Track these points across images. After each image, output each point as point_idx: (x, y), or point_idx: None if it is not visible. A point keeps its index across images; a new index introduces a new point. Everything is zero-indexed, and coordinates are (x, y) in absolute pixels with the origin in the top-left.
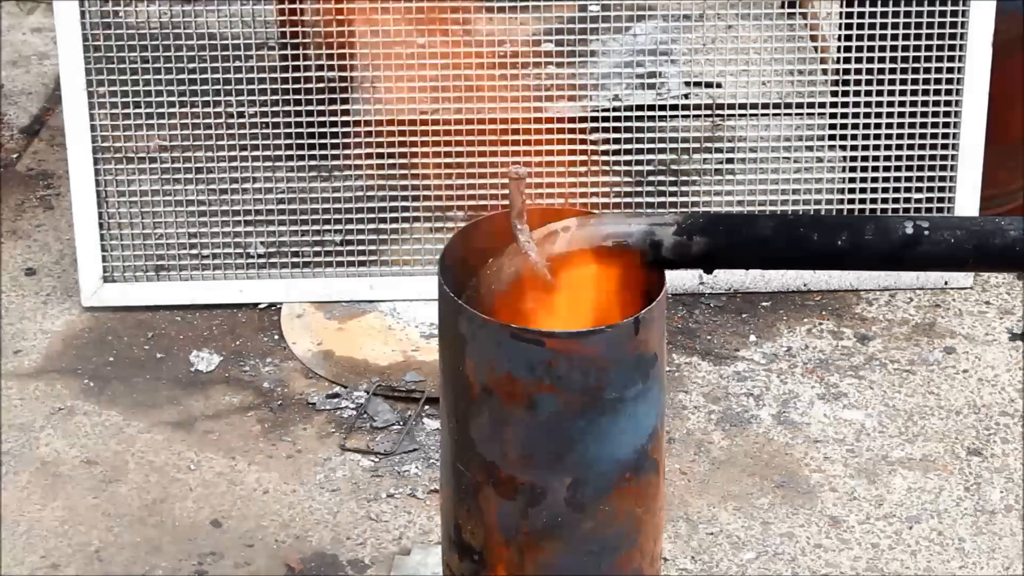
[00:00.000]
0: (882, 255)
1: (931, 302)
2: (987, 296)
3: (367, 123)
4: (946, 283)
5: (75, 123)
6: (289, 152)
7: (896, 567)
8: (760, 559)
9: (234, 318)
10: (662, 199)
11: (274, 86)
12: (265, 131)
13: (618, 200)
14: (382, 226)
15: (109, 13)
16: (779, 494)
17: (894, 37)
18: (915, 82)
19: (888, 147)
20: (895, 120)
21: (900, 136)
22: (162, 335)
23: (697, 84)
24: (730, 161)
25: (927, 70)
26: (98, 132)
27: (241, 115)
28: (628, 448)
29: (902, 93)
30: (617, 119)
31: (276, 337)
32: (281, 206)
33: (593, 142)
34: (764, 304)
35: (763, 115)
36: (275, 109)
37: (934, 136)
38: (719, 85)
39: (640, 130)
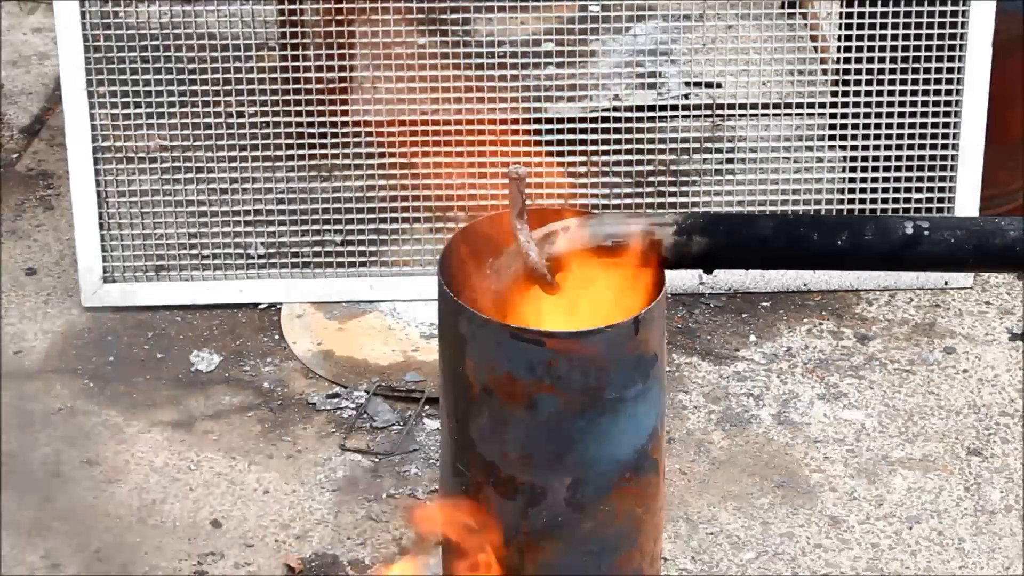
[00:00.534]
0: (882, 255)
1: (931, 302)
2: (987, 296)
3: (367, 123)
4: (946, 283)
5: (75, 123)
6: (289, 152)
7: (896, 567)
8: (760, 559)
9: (234, 318)
10: (662, 199)
11: (274, 86)
12: (265, 131)
13: (618, 200)
14: (382, 226)
15: (109, 13)
16: (779, 494)
17: (894, 37)
18: (915, 82)
19: (888, 147)
20: (895, 120)
21: (900, 136)
22: (162, 335)
23: (697, 84)
24: (730, 161)
25: (927, 70)
26: (98, 132)
27: (241, 115)
28: (628, 448)
29: (902, 93)
30: (617, 119)
31: (276, 337)
32: (281, 206)
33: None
34: (764, 304)
35: (763, 115)
36: (275, 109)
37: (934, 136)
38: (719, 85)
39: (640, 130)
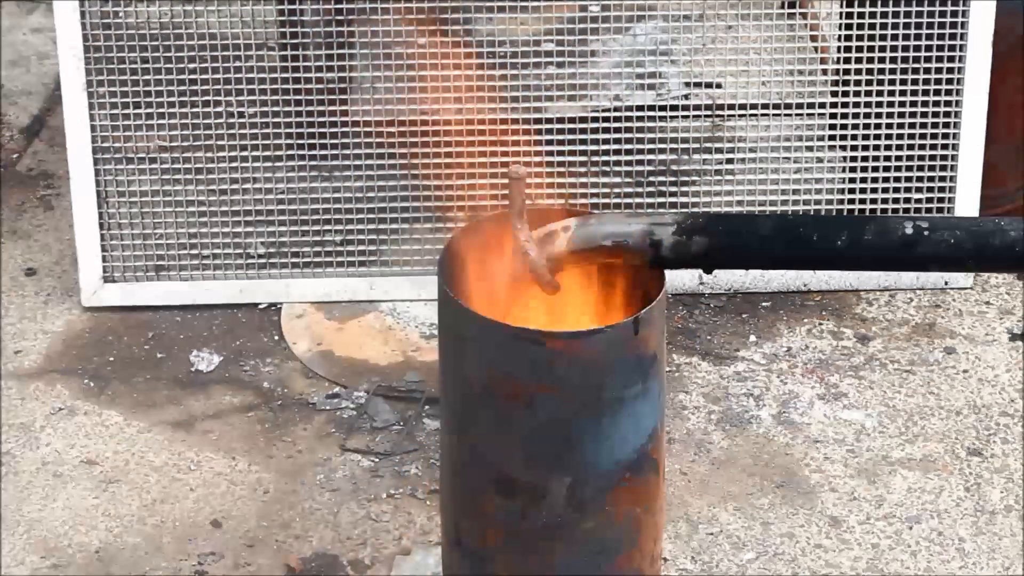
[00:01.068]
0: (882, 255)
1: (931, 302)
2: (987, 296)
3: (367, 123)
4: (946, 283)
5: (75, 123)
6: (289, 152)
7: (896, 567)
8: (760, 559)
9: (234, 318)
10: (662, 199)
11: (274, 86)
12: (265, 131)
13: (618, 200)
14: (382, 226)
15: (109, 13)
16: (779, 494)
17: (894, 37)
18: (915, 82)
19: (888, 147)
20: (895, 120)
21: (900, 136)
22: (162, 335)
23: (697, 84)
24: (730, 161)
25: (927, 70)
26: (98, 132)
27: (241, 115)
28: (628, 448)
29: (902, 93)
30: (617, 119)
31: (276, 337)
32: (281, 206)
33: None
34: (764, 304)
35: (763, 115)
36: (275, 109)
37: (934, 136)
38: (719, 85)
39: (640, 130)
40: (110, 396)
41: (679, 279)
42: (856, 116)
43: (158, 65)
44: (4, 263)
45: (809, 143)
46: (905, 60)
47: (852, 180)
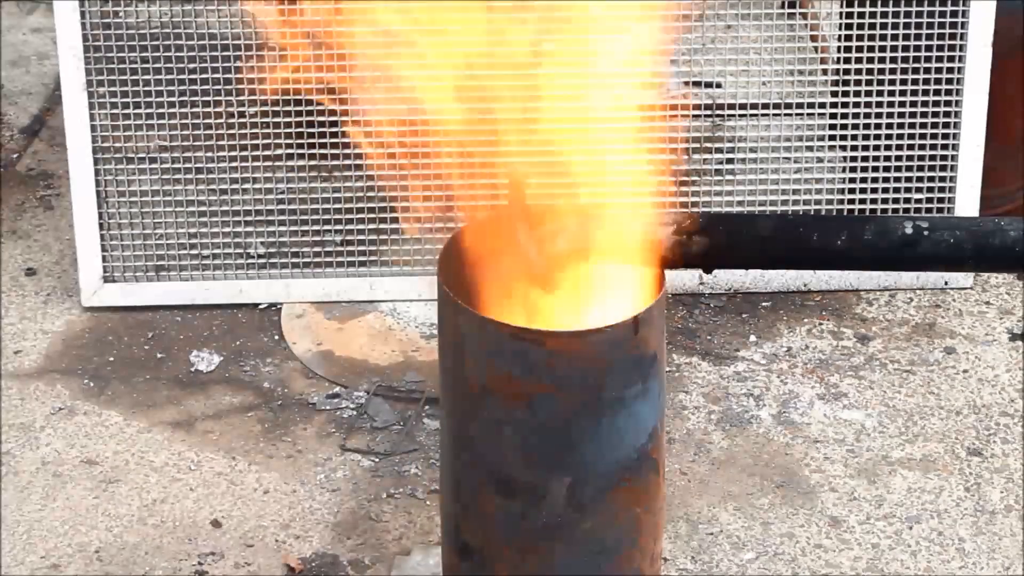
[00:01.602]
0: (882, 255)
1: (931, 302)
2: (987, 296)
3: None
4: (946, 283)
5: (75, 123)
6: (289, 152)
7: (896, 567)
8: (760, 559)
9: (234, 318)
10: (662, 199)
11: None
12: (265, 131)
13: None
14: (382, 226)
15: (109, 13)
16: (779, 494)
17: (894, 37)
18: (915, 82)
19: (888, 147)
20: (895, 120)
21: (900, 136)
22: (162, 335)
23: (697, 84)
24: (730, 161)
25: (927, 70)
26: (98, 132)
27: (241, 115)
28: (628, 448)
29: (902, 93)
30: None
31: (276, 337)
32: (281, 206)
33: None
34: (764, 304)
35: (763, 115)
36: (275, 109)
37: (934, 136)
38: (719, 85)
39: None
40: (110, 396)
41: (679, 279)
42: (856, 116)
43: (158, 65)
44: (4, 263)
45: (809, 143)
46: (905, 60)
47: (852, 180)
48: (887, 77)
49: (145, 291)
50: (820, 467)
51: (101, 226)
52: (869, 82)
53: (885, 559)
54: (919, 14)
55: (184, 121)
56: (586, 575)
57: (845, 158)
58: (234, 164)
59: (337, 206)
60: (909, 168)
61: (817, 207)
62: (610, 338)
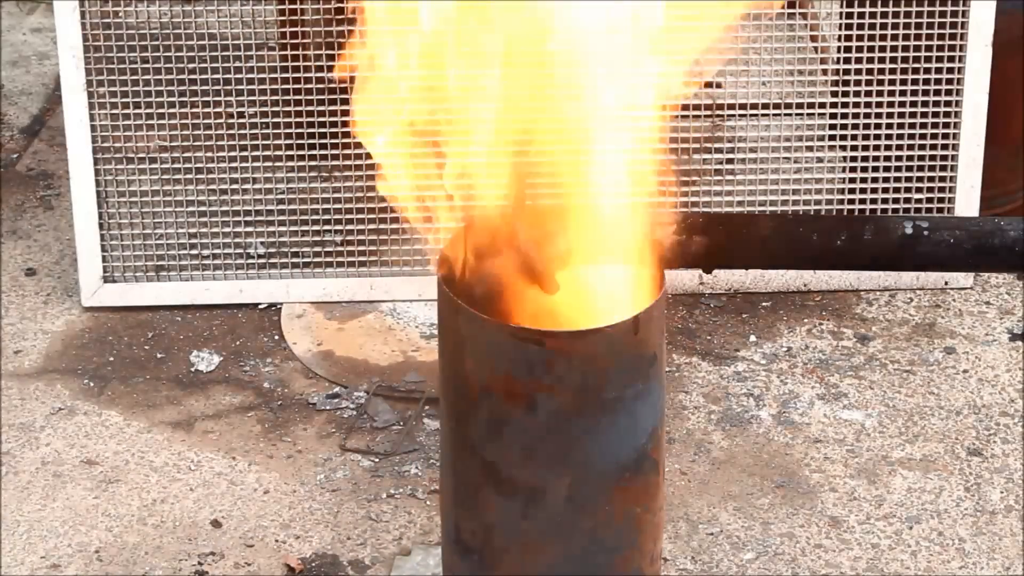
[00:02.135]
0: (882, 255)
1: (931, 302)
2: (987, 296)
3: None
4: (946, 283)
5: (75, 123)
6: (289, 152)
7: (896, 567)
8: (760, 559)
9: (234, 318)
10: (662, 199)
11: (274, 86)
12: (265, 131)
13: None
14: (382, 226)
15: (109, 13)
16: (779, 494)
17: (894, 37)
18: (915, 82)
19: (888, 147)
20: (895, 120)
21: (900, 136)
22: (162, 335)
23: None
24: (730, 161)
25: (927, 70)
26: (98, 132)
27: (241, 115)
28: (628, 448)
29: (902, 93)
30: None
31: (276, 337)
32: (281, 206)
33: None
34: (764, 304)
35: (763, 115)
36: (275, 109)
37: (934, 136)
38: (719, 85)
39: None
40: (110, 396)
41: (679, 279)
42: (856, 116)
43: (158, 65)
44: (4, 263)
45: (809, 143)
46: (905, 60)
47: (852, 180)
48: (887, 77)
49: (145, 291)
50: (820, 467)
51: (101, 226)
52: (869, 82)
53: (885, 559)
54: (919, 14)
55: (184, 121)
56: (586, 575)
57: (845, 158)
58: (234, 164)
59: (337, 206)
60: (909, 168)
61: (817, 207)
62: (610, 338)
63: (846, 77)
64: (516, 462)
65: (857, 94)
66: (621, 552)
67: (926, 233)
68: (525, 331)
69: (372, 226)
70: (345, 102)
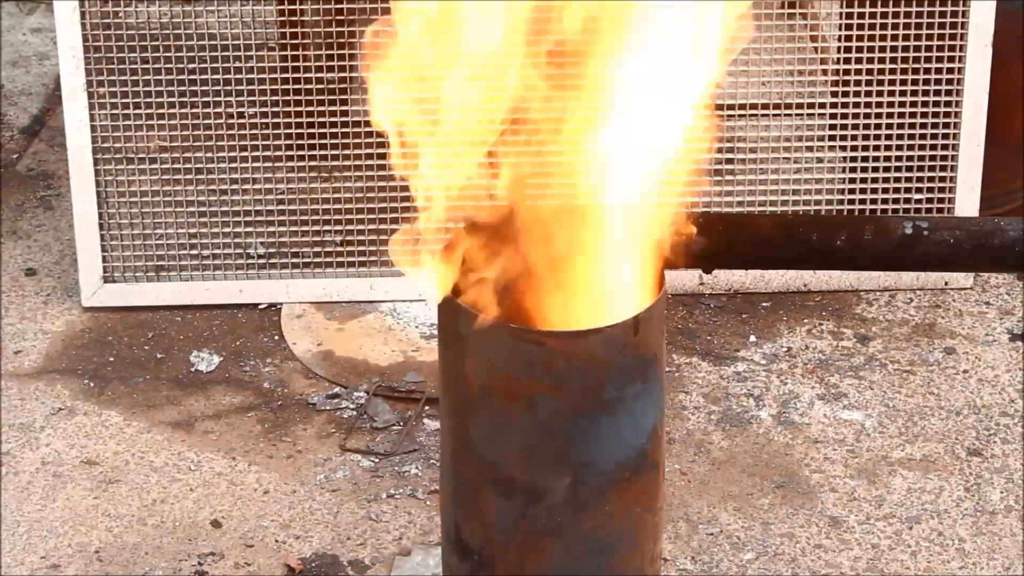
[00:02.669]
0: (882, 255)
1: (931, 302)
2: (987, 296)
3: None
4: (946, 283)
5: (75, 123)
6: (289, 152)
7: (896, 567)
8: (760, 559)
9: (234, 318)
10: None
11: (274, 86)
12: (265, 131)
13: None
14: (382, 226)
15: (109, 13)
16: (779, 494)
17: (894, 37)
18: (915, 82)
19: (888, 147)
20: (895, 120)
21: (900, 136)
22: (162, 335)
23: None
24: (730, 161)
25: (927, 70)
26: (98, 132)
27: (241, 115)
28: (628, 448)
29: (902, 93)
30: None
31: (276, 337)
32: (281, 206)
33: None
34: (764, 304)
35: (763, 115)
36: (275, 109)
37: (934, 136)
38: (719, 85)
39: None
40: (110, 396)
41: (679, 279)
42: (856, 116)
43: (158, 65)
44: (4, 263)
45: (809, 143)
46: (905, 60)
47: (852, 180)
48: (887, 77)
49: (145, 291)
50: (820, 467)
51: (101, 226)
52: (869, 82)
53: (885, 559)
54: (919, 14)
55: (184, 121)
56: (586, 575)
57: (845, 158)
58: (234, 164)
59: (337, 206)
60: (909, 168)
61: (817, 207)
62: (610, 338)
63: (846, 77)
64: (516, 462)
65: (857, 94)
66: (621, 552)
67: (926, 233)
68: (525, 331)
69: (372, 226)
70: (345, 102)
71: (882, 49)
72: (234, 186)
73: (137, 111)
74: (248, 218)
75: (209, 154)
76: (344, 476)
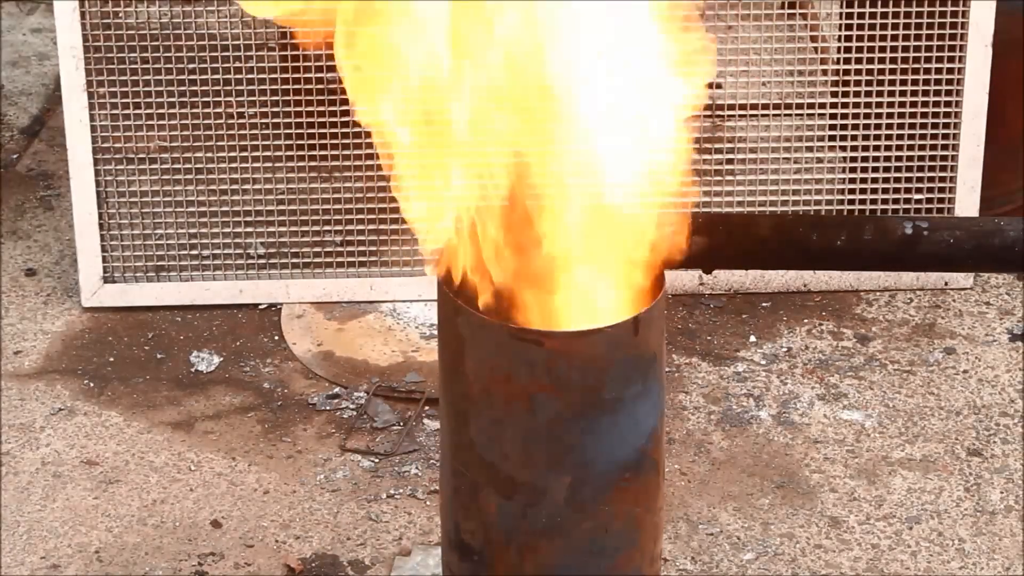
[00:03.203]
0: (882, 255)
1: (931, 302)
2: (987, 296)
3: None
4: (946, 283)
5: (75, 123)
6: (289, 152)
7: (896, 567)
8: (760, 559)
9: (234, 318)
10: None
11: (274, 86)
12: (265, 131)
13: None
14: (382, 226)
15: (109, 13)
16: (779, 494)
17: (894, 37)
18: (915, 82)
19: (888, 147)
20: (895, 120)
21: (900, 136)
22: (162, 335)
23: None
24: (730, 161)
25: (927, 70)
26: (98, 132)
27: (241, 115)
28: (628, 448)
29: (902, 93)
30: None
31: (276, 338)
32: (281, 206)
33: None
34: (764, 304)
35: (763, 115)
36: (275, 109)
37: (934, 136)
38: (719, 85)
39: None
40: (110, 396)
41: (679, 279)
42: (856, 116)
43: (158, 65)
44: (4, 263)
45: (809, 143)
46: (905, 60)
47: (852, 180)
48: (887, 77)
49: (145, 291)
50: (820, 467)
51: (101, 226)
52: (869, 82)
53: (885, 559)
54: (919, 14)
55: (184, 121)
56: (586, 575)
57: (845, 158)
58: (234, 164)
59: (337, 206)
60: (909, 168)
61: (817, 207)
62: (610, 338)
63: (846, 77)
64: (516, 462)
65: (857, 94)
66: (621, 552)
67: (926, 233)
68: (525, 331)
69: (372, 226)
70: (345, 102)
71: (882, 49)
72: (234, 186)
73: (137, 111)
74: (248, 218)
75: (209, 154)
76: (344, 476)
